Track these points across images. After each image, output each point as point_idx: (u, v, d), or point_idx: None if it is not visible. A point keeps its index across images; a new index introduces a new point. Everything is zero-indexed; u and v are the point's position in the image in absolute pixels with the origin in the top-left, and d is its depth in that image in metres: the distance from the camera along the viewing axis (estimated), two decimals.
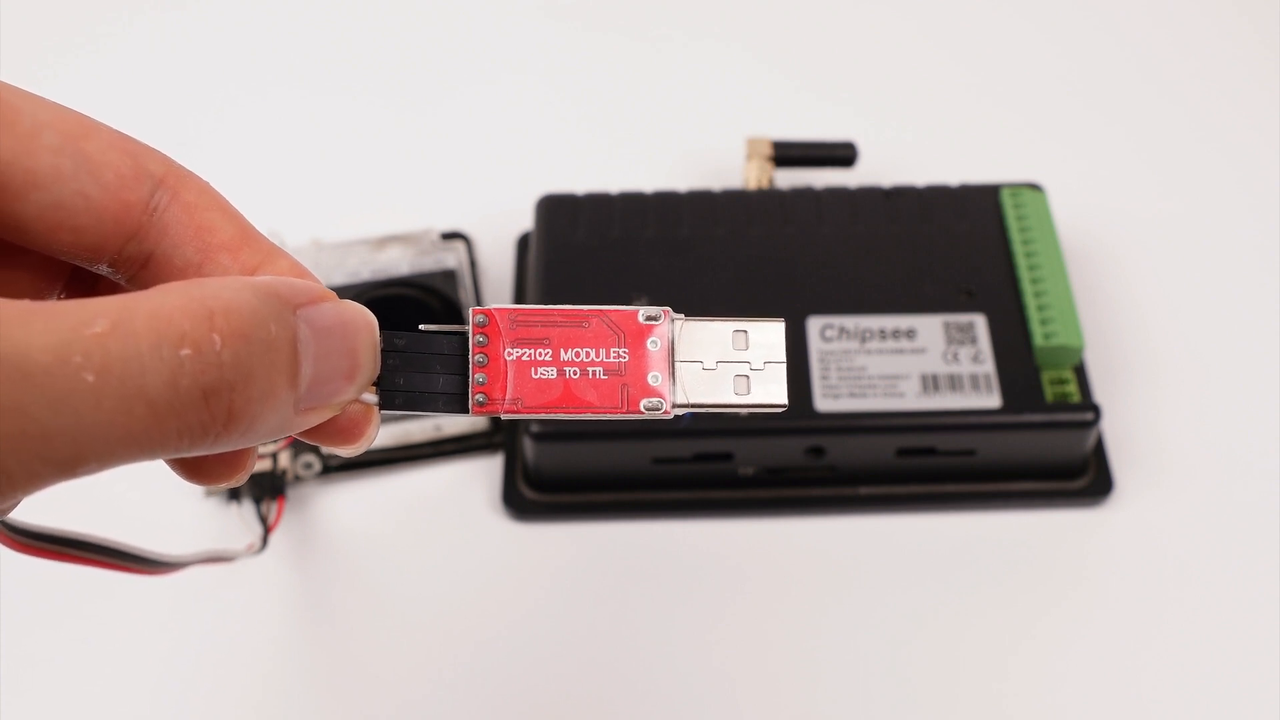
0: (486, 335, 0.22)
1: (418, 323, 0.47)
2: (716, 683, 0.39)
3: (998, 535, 0.42)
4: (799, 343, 0.42)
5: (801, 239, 0.45)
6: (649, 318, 0.22)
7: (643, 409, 0.22)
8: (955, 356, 0.42)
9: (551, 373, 0.22)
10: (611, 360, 0.22)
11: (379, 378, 0.22)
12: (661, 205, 0.46)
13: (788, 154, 0.49)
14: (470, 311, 0.22)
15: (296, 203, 0.52)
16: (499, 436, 0.44)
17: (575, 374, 0.22)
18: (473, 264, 0.49)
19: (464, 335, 0.22)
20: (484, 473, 0.44)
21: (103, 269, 0.23)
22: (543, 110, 0.56)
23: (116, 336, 0.18)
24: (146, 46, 0.59)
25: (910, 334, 0.42)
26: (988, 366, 0.41)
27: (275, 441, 0.40)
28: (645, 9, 0.60)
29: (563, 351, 0.22)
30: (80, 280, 0.24)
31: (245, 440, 0.20)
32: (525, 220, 0.49)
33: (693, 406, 0.22)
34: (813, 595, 0.41)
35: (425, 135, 0.55)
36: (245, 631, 0.41)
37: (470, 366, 0.22)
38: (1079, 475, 0.43)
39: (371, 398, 0.22)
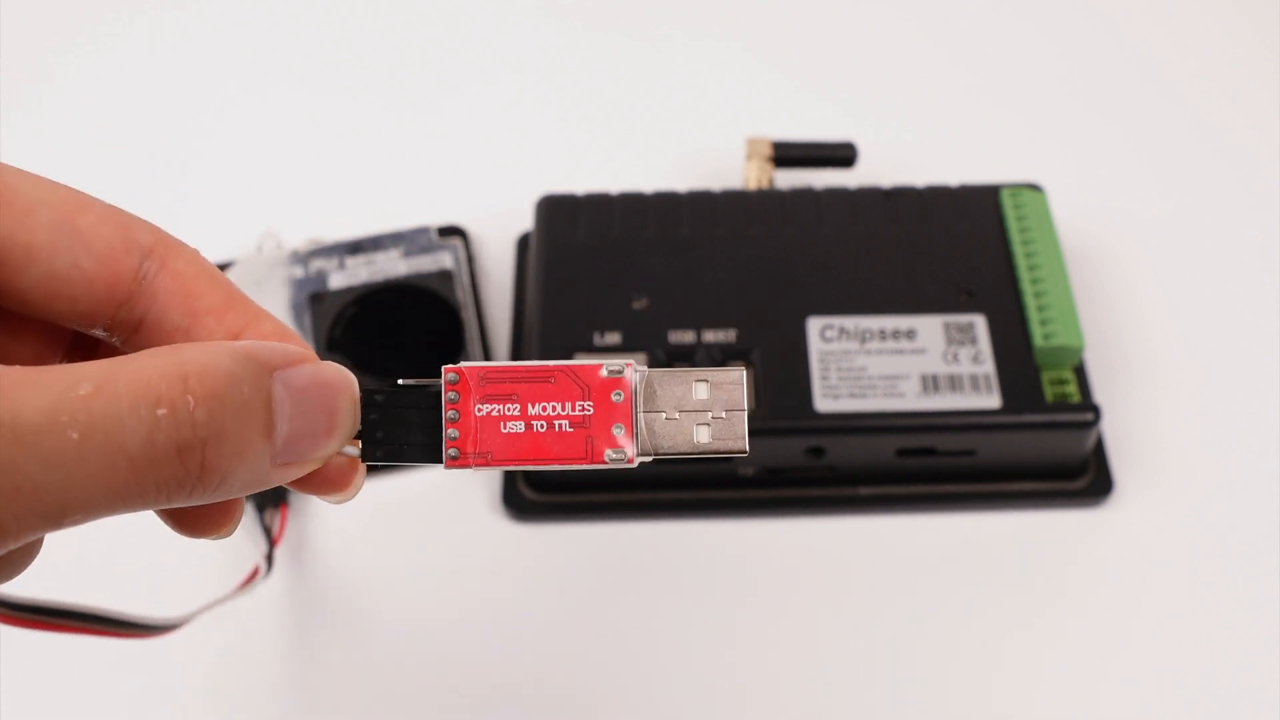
0: (458, 392, 0.23)
1: (414, 325, 0.47)
2: (716, 682, 0.39)
3: (998, 535, 0.42)
4: (799, 343, 0.42)
5: (801, 239, 0.45)
6: (612, 371, 0.23)
7: (606, 459, 0.23)
8: (955, 357, 0.42)
9: (519, 426, 0.23)
10: (577, 413, 0.23)
11: (360, 431, 0.24)
12: (661, 205, 0.46)
13: (788, 154, 0.49)
14: (443, 370, 0.23)
15: (295, 202, 0.52)
16: None
17: (542, 427, 0.23)
18: (470, 260, 0.49)
19: (437, 392, 0.23)
20: (484, 472, 0.44)
21: (99, 333, 0.24)
22: (543, 110, 0.56)
23: (100, 398, 0.19)
24: (146, 46, 0.59)
25: (910, 334, 0.42)
26: (988, 367, 0.41)
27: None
28: (645, 9, 0.60)
29: (530, 406, 0.23)
30: (82, 345, 0.26)
31: (222, 493, 0.21)
32: (525, 220, 0.49)
33: (656, 455, 0.23)
34: (813, 595, 0.41)
35: (425, 135, 0.55)
36: (246, 632, 0.41)
37: (443, 422, 0.23)
38: (1079, 475, 0.43)
39: (353, 450, 0.24)
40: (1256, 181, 0.52)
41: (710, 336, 0.42)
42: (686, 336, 0.42)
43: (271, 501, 0.42)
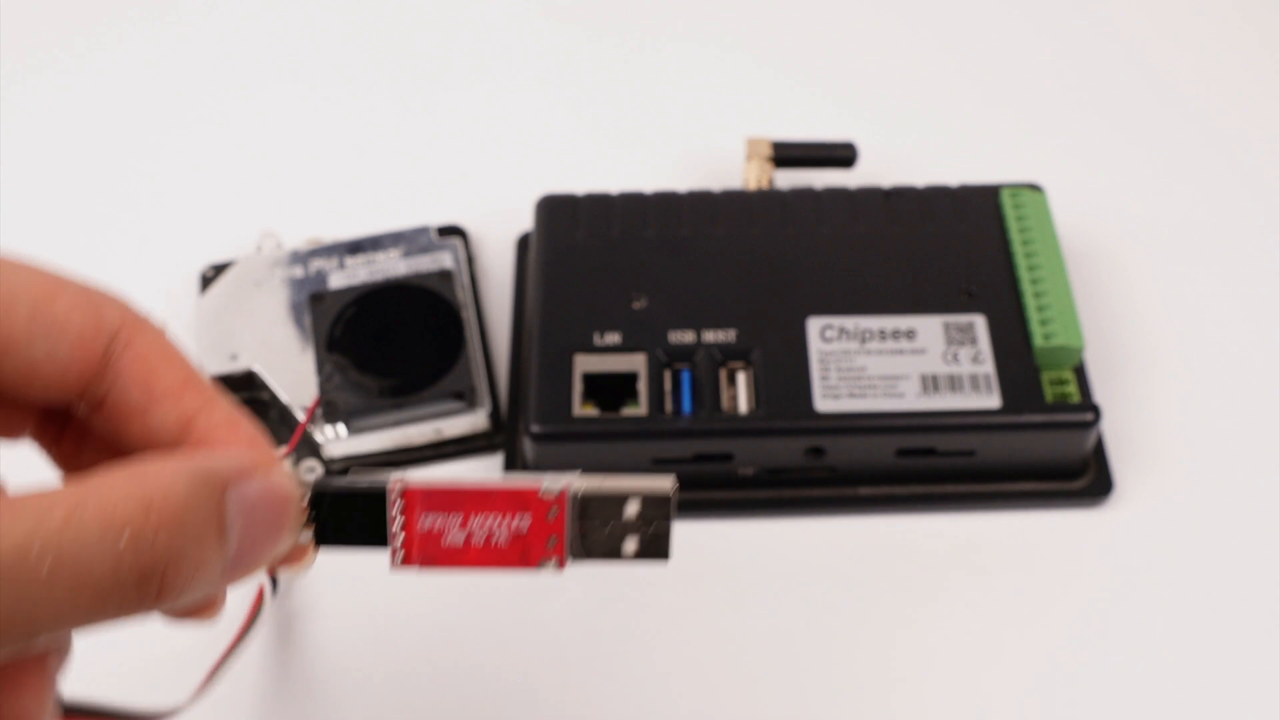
0: (405, 502, 0.25)
1: (414, 325, 0.47)
2: (716, 682, 0.39)
3: (998, 535, 0.42)
4: (799, 343, 0.42)
5: (801, 239, 0.45)
6: (548, 490, 0.25)
7: (539, 566, 0.26)
8: (955, 357, 0.42)
9: (460, 538, 0.25)
10: (514, 527, 0.26)
11: (311, 521, 0.26)
12: (661, 205, 0.46)
13: (788, 154, 0.49)
14: (391, 483, 0.25)
15: (294, 202, 0.52)
16: (499, 437, 0.44)
17: (481, 540, 0.26)
18: (470, 260, 0.49)
19: (383, 494, 0.25)
20: (484, 473, 0.44)
21: (64, 407, 0.26)
22: (543, 110, 0.56)
23: (69, 528, 0.21)
24: (146, 46, 0.59)
25: (910, 334, 0.42)
26: (988, 367, 0.41)
27: (278, 449, 0.42)
28: (645, 9, 0.60)
29: (472, 518, 0.25)
30: (51, 417, 0.27)
31: (179, 603, 0.23)
32: (525, 220, 0.49)
33: (587, 560, 0.26)
34: (813, 595, 0.41)
35: (424, 135, 0.55)
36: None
37: (389, 530, 0.26)
38: (1079, 475, 0.43)
39: (306, 535, 0.26)
40: (1257, 182, 0.52)
41: (710, 336, 0.42)
42: (686, 336, 0.42)
43: None
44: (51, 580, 0.20)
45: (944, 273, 0.44)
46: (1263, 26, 0.58)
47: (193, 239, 0.51)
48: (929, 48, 0.58)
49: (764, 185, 0.48)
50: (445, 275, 0.46)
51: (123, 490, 0.22)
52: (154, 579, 0.22)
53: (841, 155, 0.49)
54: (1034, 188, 0.47)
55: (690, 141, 0.54)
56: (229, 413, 0.27)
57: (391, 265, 0.47)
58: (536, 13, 0.59)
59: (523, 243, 0.50)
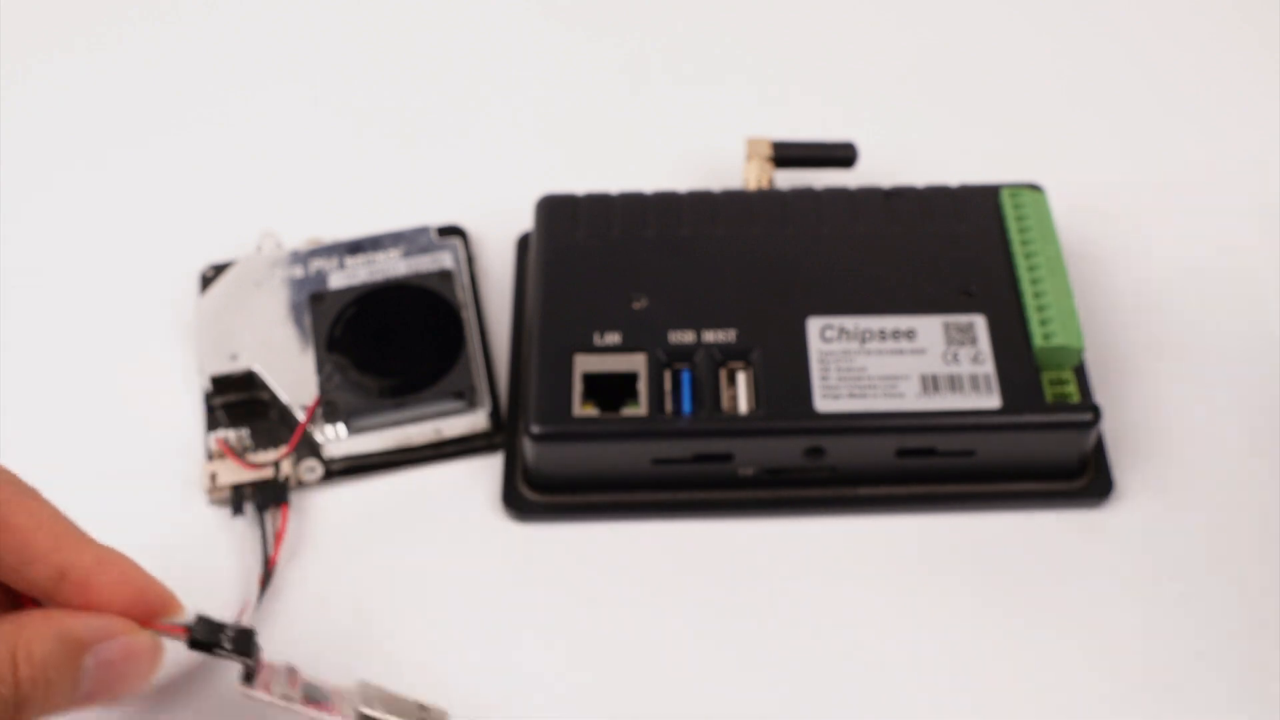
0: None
1: (414, 325, 0.47)
2: (715, 682, 0.39)
3: (997, 536, 0.42)
4: (799, 343, 0.42)
5: (801, 239, 0.45)
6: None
7: None
8: (955, 357, 0.42)
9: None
10: None
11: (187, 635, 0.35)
12: (661, 205, 0.46)
13: (788, 154, 0.49)
14: (239, 682, 0.35)
15: (294, 201, 0.52)
16: (499, 437, 0.44)
17: None
18: (470, 260, 0.49)
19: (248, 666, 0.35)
20: (484, 473, 0.44)
21: None
22: (543, 110, 0.56)
23: None
24: (144, 45, 0.59)
25: (910, 334, 0.42)
26: (987, 367, 0.41)
27: (274, 449, 0.44)
28: (645, 9, 0.60)
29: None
30: None
31: None
32: (525, 220, 0.49)
33: None
34: (812, 595, 0.41)
35: (423, 135, 0.55)
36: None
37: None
38: (1079, 476, 0.43)
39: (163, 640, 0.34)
40: (1258, 182, 0.52)
41: (710, 336, 0.42)
42: (686, 336, 0.42)
43: (273, 500, 0.42)
44: None
45: (944, 273, 0.44)
46: (1262, 26, 0.58)
47: (193, 239, 0.51)
48: (929, 48, 0.58)
49: (764, 185, 0.48)
50: (445, 275, 0.46)
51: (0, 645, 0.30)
52: (10, 708, 0.30)
53: (841, 155, 0.49)
54: (1034, 188, 0.47)
55: (690, 141, 0.54)
56: (99, 555, 0.33)
57: (391, 265, 0.47)
58: (536, 13, 0.59)
59: (523, 243, 0.50)
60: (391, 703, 0.37)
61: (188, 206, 0.53)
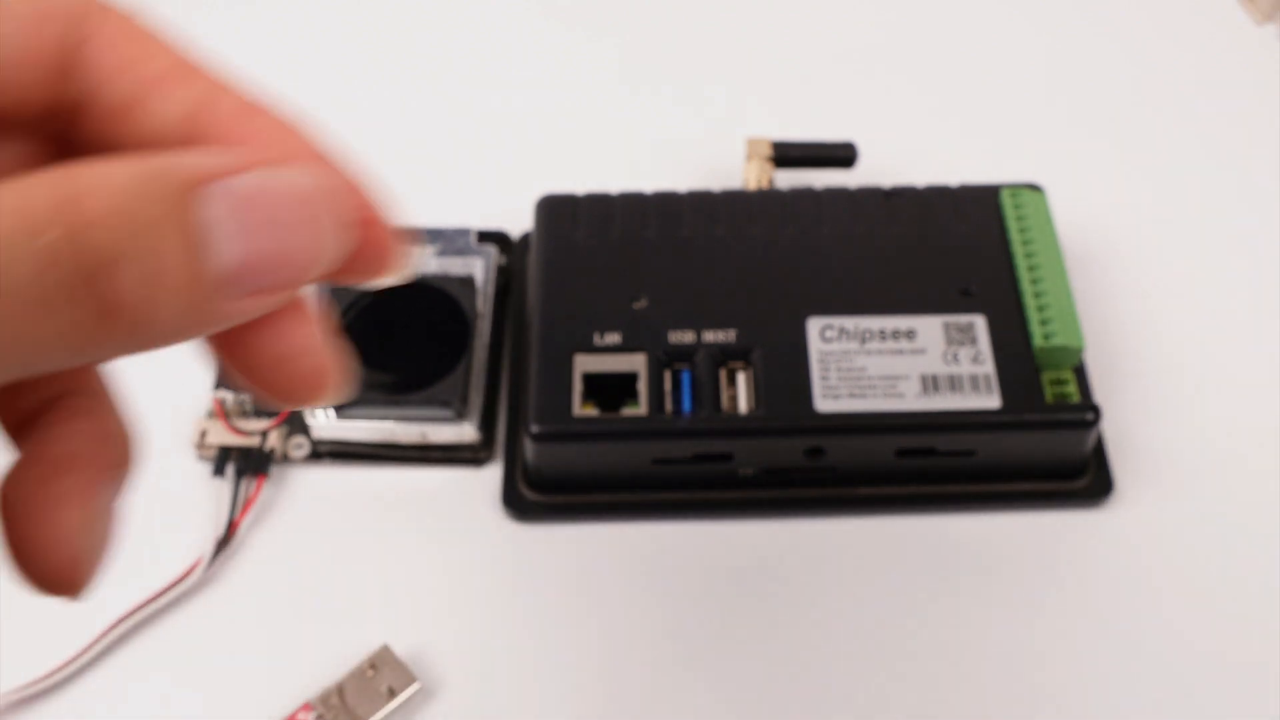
0: None
1: (423, 327, 0.46)
2: (715, 682, 0.39)
3: (997, 535, 0.42)
4: (799, 343, 0.42)
5: (801, 239, 0.45)
6: None
7: None
8: (955, 357, 0.42)
9: None
10: None
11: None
12: (661, 205, 0.46)
13: (788, 154, 0.49)
14: None
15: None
16: (485, 452, 0.44)
17: None
18: (505, 269, 0.48)
19: None
20: (483, 473, 0.44)
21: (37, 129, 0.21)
22: (543, 110, 0.56)
23: None
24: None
25: (910, 334, 0.42)
26: (987, 367, 0.41)
27: (265, 418, 0.43)
28: (645, 9, 0.60)
29: None
30: (32, 157, 0.22)
31: (150, 338, 0.18)
32: (525, 220, 0.49)
33: None
34: (811, 595, 0.41)
35: (423, 135, 0.55)
36: (238, 634, 0.41)
37: None
38: (1079, 476, 0.43)
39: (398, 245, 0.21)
40: (1257, 182, 0.52)
41: (710, 336, 0.42)
42: (686, 336, 0.42)
43: (253, 469, 0.43)
44: None
45: (944, 273, 0.44)
46: (1262, 27, 0.58)
47: None
48: (929, 48, 0.58)
49: (764, 185, 0.48)
50: (467, 282, 0.45)
51: (45, 187, 0.17)
52: (94, 286, 0.17)
53: (841, 155, 0.49)
54: (1034, 188, 0.47)
55: (690, 141, 0.54)
56: (242, 100, 0.22)
57: (423, 261, 0.46)
58: (536, 13, 0.59)
59: (523, 243, 0.50)
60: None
61: None
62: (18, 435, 0.21)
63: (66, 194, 0.17)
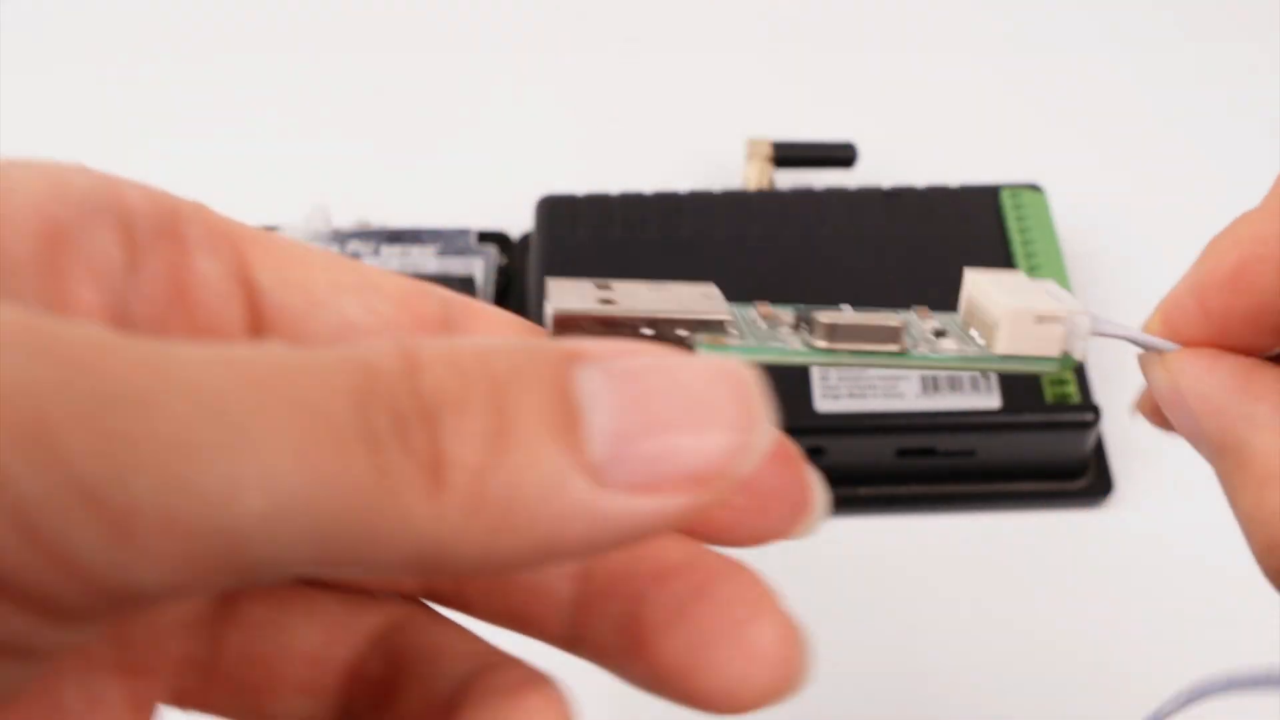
0: None
1: None
2: None
3: (997, 535, 0.42)
4: None
5: (801, 239, 0.45)
6: None
7: None
8: None
9: None
10: None
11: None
12: (661, 205, 0.46)
13: (788, 154, 0.49)
14: None
15: (352, 181, 0.52)
16: None
17: None
18: (507, 269, 0.48)
19: None
20: None
21: None
22: (543, 110, 0.56)
23: (293, 356, 0.13)
24: (149, 42, 0.59)
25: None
26: None
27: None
28: (646, 10, 0.60)
29: None
30: None
31: (499, 522, 0.13)
32: (525, 220, 0.49)
33: None
34: (811, 595, 0.41)
35: (423, 135, 0.55)
36: None
37: None
38: (1079, 476, 0.43)
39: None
40: (1257, 182, 0.52)
41: None
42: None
43: None
44: (263, 402, 0.12)
45: (944, 273, 0.44)
46: (1263, 27, 0.58)
47: (247, 198, 0.49)
48: (929, 47, 0.58)
49: (764, 185, 0.48)
50: (466, 282, 0.45)
51: (374, 342, 0.14)
52: (419, 434, 0.13)
53: (841, 155, 0.49)
54: (1034, 188, 0.47)
55: (690, 141, 0.54)
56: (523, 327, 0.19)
57: (424, 261, 0.46)
58: (536, 12, 0.59)
59: (523, 243, 0.50)
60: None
61: (250, 166, 0.52)
62: None
63: (401, 346, 0.14)
